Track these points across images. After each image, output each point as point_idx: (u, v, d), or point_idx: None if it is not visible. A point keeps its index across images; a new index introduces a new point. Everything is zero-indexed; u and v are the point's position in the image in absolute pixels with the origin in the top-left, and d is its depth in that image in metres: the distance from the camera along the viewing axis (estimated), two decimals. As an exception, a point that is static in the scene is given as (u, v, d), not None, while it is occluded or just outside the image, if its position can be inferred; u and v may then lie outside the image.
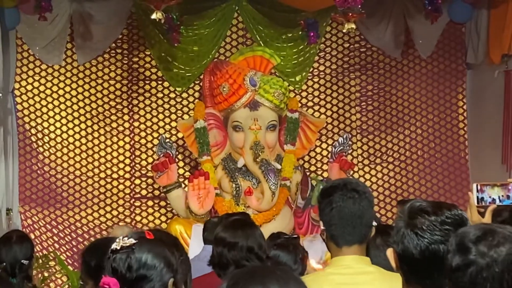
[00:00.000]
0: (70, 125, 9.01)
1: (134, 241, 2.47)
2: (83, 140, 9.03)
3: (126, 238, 2.47)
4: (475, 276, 2.03)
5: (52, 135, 8.94)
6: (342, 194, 3.03)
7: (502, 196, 3.01)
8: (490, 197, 3.01)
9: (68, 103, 9.03)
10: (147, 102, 9.23)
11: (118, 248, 2.46)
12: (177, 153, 8.64)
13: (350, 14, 8.07)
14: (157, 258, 2.47)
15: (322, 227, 3.09)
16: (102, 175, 9.06)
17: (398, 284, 2.54)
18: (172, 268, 2.50)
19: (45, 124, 8.93)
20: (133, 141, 9.17)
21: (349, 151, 8.76)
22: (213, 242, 3.94)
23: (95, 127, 9.08)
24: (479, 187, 3.01)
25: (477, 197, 3.01)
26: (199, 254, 5.10)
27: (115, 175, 9.10)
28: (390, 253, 2.50)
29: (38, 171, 8.88)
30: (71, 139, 8.99)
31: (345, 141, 8.48)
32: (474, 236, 2.08)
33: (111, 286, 2.40)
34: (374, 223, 3.12)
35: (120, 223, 8.84)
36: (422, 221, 2.41)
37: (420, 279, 2.39)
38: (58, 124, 8.97)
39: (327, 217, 3.05)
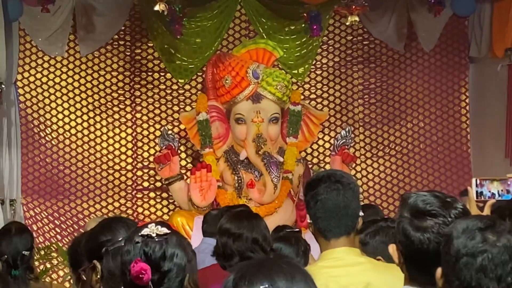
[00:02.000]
0: (73, 116, 9.01)
1: (167, 231, 2.48)
2: (85, 132, 9.03)
3: (159, 227, 2.47)
4: (487, 263, 2.03)
5: (55, 127, 8.95)
6: (326, 187, 3.02)
7: (502, 190, 3.01)
8: (489, 191, 3.01)
9: (71, 94, 9.04)
10: (150, 93, 9.23)
11: (153, 235, 2.45)
12: (179, 145, 8.64)
13: (353, 6, 8.09)
14: (184, 252, 2.49)
15: (309, 221, 3.09)
16: (104, 166, 9.06)
17: (391, 274, 2.54)
18: (191, 264, 2.51)
19: (48, 116, 8.93)
20: (135, 133, 9.17)
21: (352, 144, 8.76)
22: (218, 233, 3.94)
23: (97, 118, 9.08)
24: (478, 182, 3.02)
25: (477, 191, 3.01)
26: (199, 246, 5.11)
27: (117, 167, 9.10)
28: (392, 249, 2.49)
29: (41, 163, 8.89)
30: (73, 131, 8.99)
31: (347, 134, 8.49)
32: (484, 225, 2.08)
33: (147, 273, 2.39)
34: (361, 213, 3.12)
35: (123, 215, 8.84)
36: (431, 225, 2.39)
37: (427, 276, 2.39)
38: (60, 116, 8.97)
39: (313, 211, 3.04)
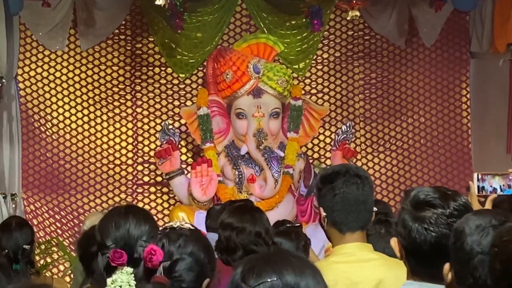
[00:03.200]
0: (73, 111, 9.00)
1: (191, 227, 2.56)
2: (86, 126, 9.02)
3: (185, 223, 2.58)
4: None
5: (55, 121, 8.94)
6: (346, 180, 3.01)
7: (503, 185, 3.01)
8: (491, 186, 3.01)
9: (71, 89, 9.03)
10: (150, 88, 9.22)
11: (175, 226, 2.55)
12: (180, 140, 8.64)
13: (354, 1, 8.07)
14: (205, 251, 2.54)
15: (323, 214, 3.06)
16: (105, 161, 9.06)
17: (402, 270, 2.53)
18: (213, 271, 2.55)
19: (48, 110, 8.92)
20: (136, 127, 9.16)
21: (352, 139, 8.76)
22: (220, 228, 3.95)
23: (98, 113, 9.07)
24: (480, 176, 3.01)
25: (478, 186, 3.01)
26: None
27: (117, 161, 9.10)
28: (394, 242, 2.48)
29: (41, 157, 8.89)
30: (74, 125, 8.98)
31: (348, 129, 8.48)
32: (497, 221, 2.06)
33: (156, 254, 2.43)
34: (375, 209, 3.11)
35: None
36: (429, 215, 2.39)
37: (428, 270, 2.38)
38: (61, 110, 8.96)
39: (330, 203, 3.02)
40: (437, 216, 2.38)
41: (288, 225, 4.92)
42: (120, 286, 2.41)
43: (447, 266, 2.15)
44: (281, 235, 4.50)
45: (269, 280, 1.79)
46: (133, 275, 2.45)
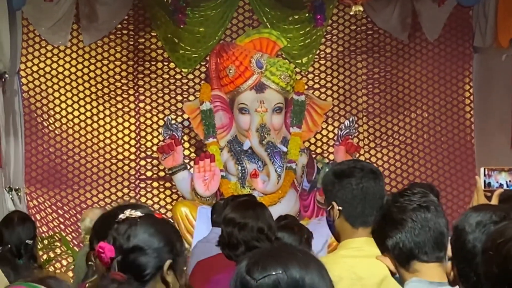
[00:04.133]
0: (76, 106, 9.00)
1: (140, 214, 2.49)
2: (89, 121, 9.01)
3: (133, 211, 2.49)
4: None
5: (58, 116, 8.93)
6: (363, 175, 3.01)
7: (510, 181, 3.01)
8: (497, 181, 3.00)
9: (74, 84, 9.02)
10: (153, 83, 9.21)
11: (123, 218, 2.48)
12: (182, 134, 8.64)
13: (358, -4, 8.05)
14: (158, 235, 2.46)
15: (338, 207, 3.04)
16: (108, 156, 9.05)
17: None
18: (173, 251, 2.47)
19: (51, 105, 8.92)
20: (138, 122, 9.16)
21: (355, 134, 8.76)
22: (223, 223, 3.93)
23: (101, 108, 9.07)
24: (486, 172, 3.01)
25: (484, 181, 3.00)
26: (207, 236, 5.09)
27: (120, 156, 9.09)
28: (382, 258, 2.53)
29: (44, 152, 8.88)
30: (76, 120, 8.98)
31: (351, 124, 8.48)
32: (498, 217, 2.04)
33: (105, 251, 2.39)
34: None
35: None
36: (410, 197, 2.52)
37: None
38: (63, 105, 8.96)
39: (348, 197, 3.01)
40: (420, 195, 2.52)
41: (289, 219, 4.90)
42: None
43: (449, 264, 2.14)
44: (283, 229, 4.49)
45: (274, 273, 1.79)
46: None
